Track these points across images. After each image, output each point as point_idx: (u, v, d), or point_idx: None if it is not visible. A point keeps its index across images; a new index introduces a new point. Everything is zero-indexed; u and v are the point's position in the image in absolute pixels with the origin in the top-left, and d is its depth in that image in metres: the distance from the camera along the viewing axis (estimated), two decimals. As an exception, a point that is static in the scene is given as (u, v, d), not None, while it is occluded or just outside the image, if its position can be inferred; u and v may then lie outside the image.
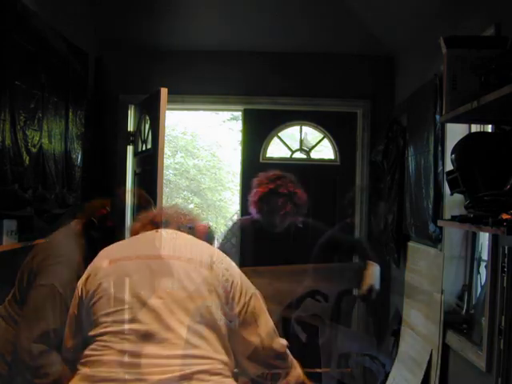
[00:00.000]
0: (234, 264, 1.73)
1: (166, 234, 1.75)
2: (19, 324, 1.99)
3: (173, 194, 8.80)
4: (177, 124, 8.69)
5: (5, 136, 2.30)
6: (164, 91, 3.26)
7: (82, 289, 1.62)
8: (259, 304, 1.69)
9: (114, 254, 1.70)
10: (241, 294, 1.63)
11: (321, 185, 4.18)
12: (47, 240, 2.20)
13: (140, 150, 3.90)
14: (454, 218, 2.17)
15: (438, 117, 2.83)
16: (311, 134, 4.62)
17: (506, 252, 2.09)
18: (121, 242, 1.88)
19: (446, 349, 2.77)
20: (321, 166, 4.27)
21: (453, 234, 2.86)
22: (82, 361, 1.51)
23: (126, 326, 1.50)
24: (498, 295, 2.18)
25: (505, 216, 1.71)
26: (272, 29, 3.82)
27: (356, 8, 3.56)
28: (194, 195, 8.95)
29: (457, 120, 2.24)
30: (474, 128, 2.69)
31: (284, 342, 1.76)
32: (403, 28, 3.53)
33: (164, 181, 3.95)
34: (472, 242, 2.84)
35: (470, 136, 2.40)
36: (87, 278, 1.63)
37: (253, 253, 3.00)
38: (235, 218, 6.98)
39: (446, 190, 2.62)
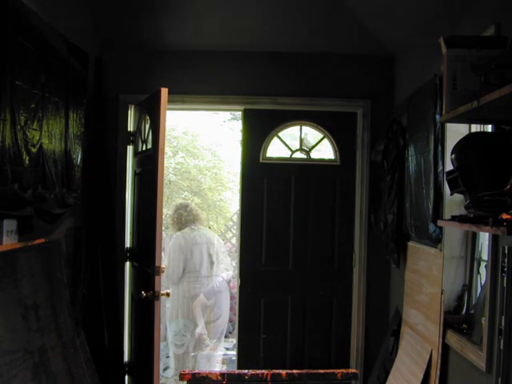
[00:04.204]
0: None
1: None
2: None
3: (173, 194, 8.78)
4: (177, 124, 8.67)
5: (5, 136, 2.29)
6: (164, 91, 3.27)
7: None
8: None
9: None
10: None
11: (321, 185, 4.19)
12: None
13: (140, 149, 3.90)
14: (454, 218, 2.17)
15: (438, 117, 2.83)
16: (311, 134, 4.61)
17: (506, 252, 2.10)
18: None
19: (446, 349, 2.77)
20: (321, 165, 4.26)
21: (453, 234, 2.86)
22: None
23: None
24: (497, 295, 2.18)
25: (505, 216, 1.71)
26: (272, 29, 3.82)
27: (356, 8, 3.56)
28: (194, 195, 8.93)
29: (457, 120, 2.25)
30: (474, 128, 2.69)
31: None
32: (403, 28, 3.53)
33: (165, 181, 3.95)
34: (472, 242, 2.85)
35: (470, 136, 2.40)
36: None
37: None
38: (235, 217, 7.02)
39: (446, 189, 2.62)
